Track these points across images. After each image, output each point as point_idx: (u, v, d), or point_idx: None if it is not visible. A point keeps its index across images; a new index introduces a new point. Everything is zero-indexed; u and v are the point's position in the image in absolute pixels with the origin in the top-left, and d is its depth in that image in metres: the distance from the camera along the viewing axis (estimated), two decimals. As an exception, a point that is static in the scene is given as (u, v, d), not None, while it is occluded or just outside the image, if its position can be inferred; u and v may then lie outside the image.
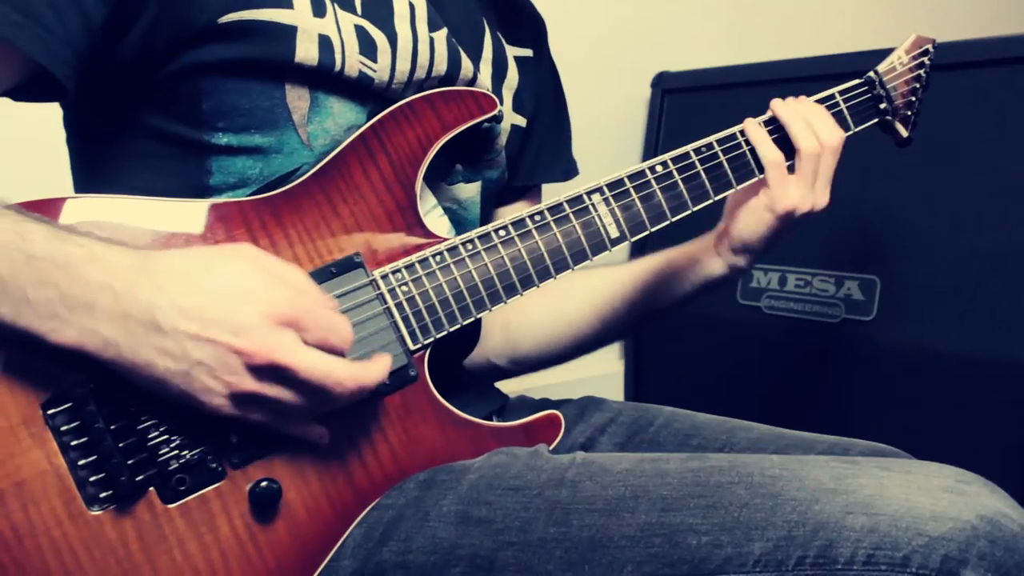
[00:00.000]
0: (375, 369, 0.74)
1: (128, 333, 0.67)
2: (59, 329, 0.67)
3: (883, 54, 1.08)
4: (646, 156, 1.85)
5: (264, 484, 0.75)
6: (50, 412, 0.71)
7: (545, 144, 1.11)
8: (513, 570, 0.75)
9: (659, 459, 0.79)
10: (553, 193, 0.92)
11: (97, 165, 0.89)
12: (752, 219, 0.98)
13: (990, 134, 1.37)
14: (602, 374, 1.87)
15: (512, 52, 1.05)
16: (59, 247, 0.67)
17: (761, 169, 0.97)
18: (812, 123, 0.97)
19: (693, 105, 1.78)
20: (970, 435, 1.36)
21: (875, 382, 1.47)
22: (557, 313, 1.09)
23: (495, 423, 0.88)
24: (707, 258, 1.03)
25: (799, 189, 0.96)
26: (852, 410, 1.50)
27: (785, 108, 0.98)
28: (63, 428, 0.71)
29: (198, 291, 0.68)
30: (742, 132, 0.97)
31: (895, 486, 0.71)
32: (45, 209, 0.74)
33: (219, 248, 0.73)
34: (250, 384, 0.69)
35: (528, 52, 1.08)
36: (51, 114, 0.92)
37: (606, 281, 1.09)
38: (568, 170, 1.15)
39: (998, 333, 1.32)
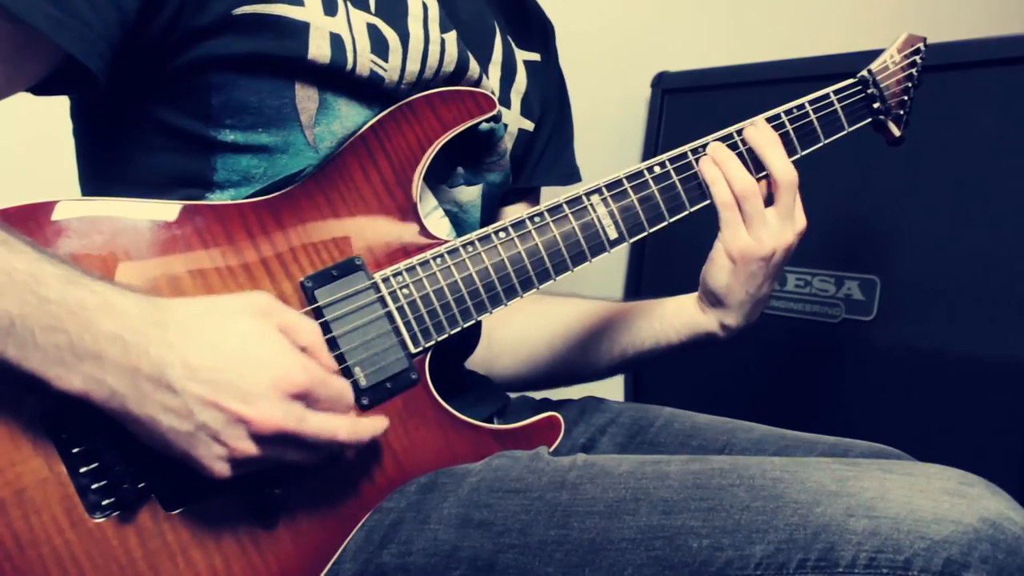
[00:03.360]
0: (374, 425, 0.76)
1: (134, 387, 0.67)
2: (65, 376, 0.66)
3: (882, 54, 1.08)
4: (646, 156, 1.84)
5: (266, 490, 0.75)
6: (51, 419, 0.70)
7: (548, 147, 1.11)
8: (513, 572, 0.75)
9: (660, 461, 0.79)
10: (555, 195, 0.92)
11: (103, 158, 0.88)
12: (714, 266, 0.96)
13: (990, 134, 1.36)
14: (602, 374, 1.86)
15: (521, 56, 1.05)
16: (73, 292, 0.66)
17: (760, 171, 0.96)
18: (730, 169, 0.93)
19: (693, 105, 1.78)
20: (970, 435, 1.36)
21: (875, 382, 1.46)
22: (542, 332, 1.09)
23: (496, 426, 0.88)
24: (694, 308, 1.01)
25: (755, 231, 0.93)
26: (852, 410, 1.50)
27: (711, 163, 0.94)
28: (64, 435, 0.71)
29: (210, 350, 0.68)
30: (728, 137, 0.95)
31: (897, 488, 0.71)
32: (39, 212, 0.73)
33: (233, 300, 0.73)
34: (253, 450, 0.68)
35: (536, 56, 1.08)
36: (57, 107, 0.91)
37: (593, 311, 1.08)
38: (571, 175, 1.14)
39: (998, 333, 1.32)
